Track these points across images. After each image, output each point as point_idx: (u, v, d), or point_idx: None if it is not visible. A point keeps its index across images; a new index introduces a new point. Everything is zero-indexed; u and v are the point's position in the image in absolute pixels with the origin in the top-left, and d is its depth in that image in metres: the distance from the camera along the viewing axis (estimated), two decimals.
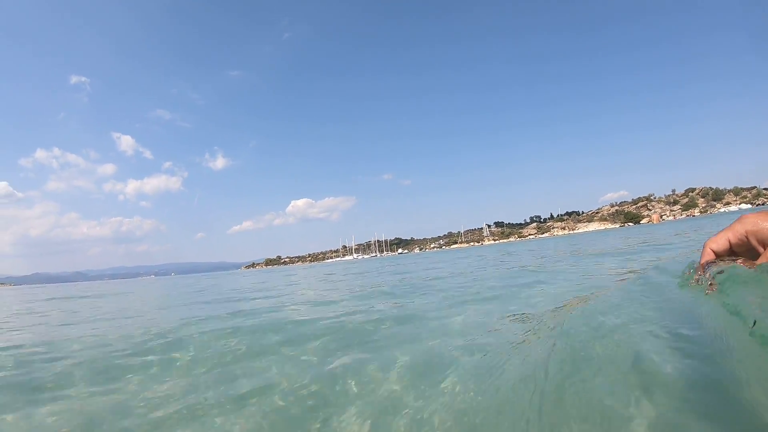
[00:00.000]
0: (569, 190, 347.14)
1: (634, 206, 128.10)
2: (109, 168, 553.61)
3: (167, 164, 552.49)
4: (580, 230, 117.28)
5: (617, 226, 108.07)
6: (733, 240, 1.23)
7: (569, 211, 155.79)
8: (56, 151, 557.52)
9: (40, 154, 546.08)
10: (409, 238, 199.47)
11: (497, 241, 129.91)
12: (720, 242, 1.25)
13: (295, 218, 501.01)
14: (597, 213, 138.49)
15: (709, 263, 1.28)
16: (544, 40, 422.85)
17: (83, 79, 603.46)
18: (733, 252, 1.25)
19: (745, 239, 1.19)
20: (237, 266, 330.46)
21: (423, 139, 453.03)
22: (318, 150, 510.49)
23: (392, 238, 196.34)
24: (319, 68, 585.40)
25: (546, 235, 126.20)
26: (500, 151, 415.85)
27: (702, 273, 1.29)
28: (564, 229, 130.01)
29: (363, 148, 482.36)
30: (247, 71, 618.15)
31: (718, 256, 1.27)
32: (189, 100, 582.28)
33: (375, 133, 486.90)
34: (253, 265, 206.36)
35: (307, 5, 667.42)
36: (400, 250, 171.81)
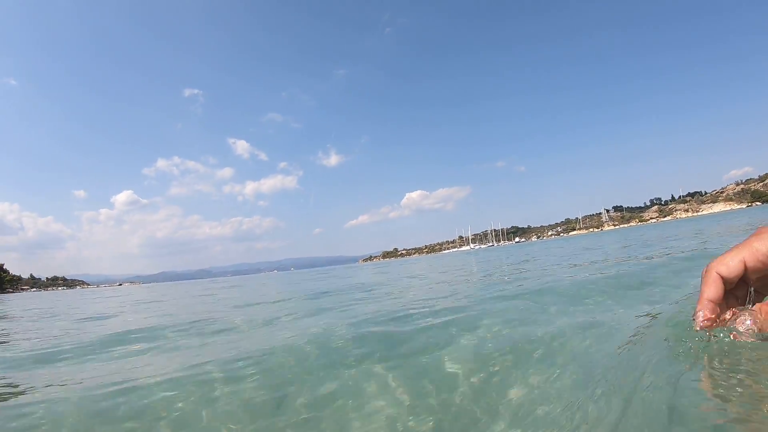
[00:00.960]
0: (690, 170, 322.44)
1: (761, 183, 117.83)
2: (227, 172, 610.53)
3: (282, 164, 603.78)
4: (704, 212, 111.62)
5: (744, 206, 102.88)
6: (751, 262, 0.80)
7: (691, 192, 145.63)
8: (176, 159, 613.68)
9: (161, 163, 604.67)
10: (525, 226, 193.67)
11: (617, 227, 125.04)
12: (732, 265, 0.81)
13: (410, 210, 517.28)
14: (722, 193, 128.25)
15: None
16: (653, 29, 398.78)
17: (196, 91, 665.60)
18: (747, 278, 0.82)
19: None
20: (354, 260, 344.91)
21: (536, 129, 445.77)
22: (430, 141, 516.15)
23: (508, 227, 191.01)
24: (424, 62, 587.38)
25: (668, 218, 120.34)
26: (615, 134, 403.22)
27: (707, 320, 0.82)
28: (687, 211, 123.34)
29: (475, 137, 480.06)
30: (352, 69, 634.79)
31: (729, 284, 0.82)
32: (299, 102, 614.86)
33: (487, 122, 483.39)
34: (370, 258, 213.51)
35: None
36: (517, 239, 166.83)
